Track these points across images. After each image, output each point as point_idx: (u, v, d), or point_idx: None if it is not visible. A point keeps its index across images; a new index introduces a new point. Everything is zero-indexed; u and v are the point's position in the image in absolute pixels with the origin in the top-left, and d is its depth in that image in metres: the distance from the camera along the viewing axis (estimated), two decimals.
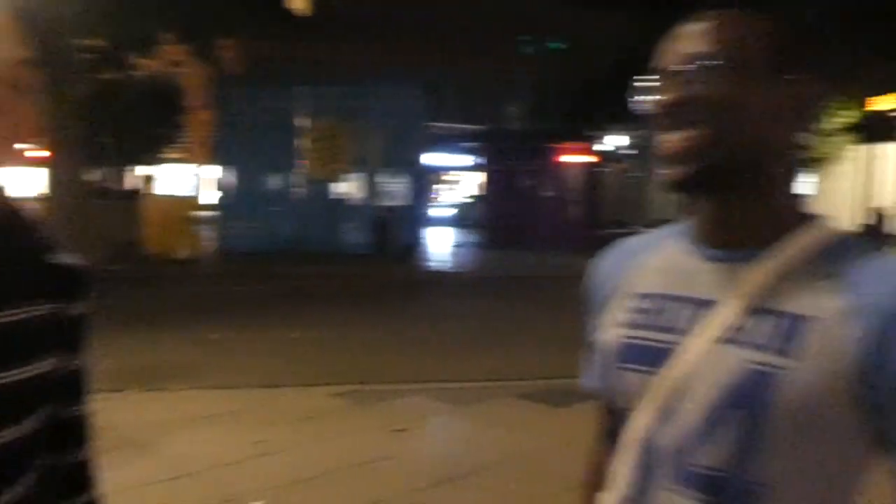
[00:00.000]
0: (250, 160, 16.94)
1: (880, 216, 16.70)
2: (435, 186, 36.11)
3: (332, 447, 4.53)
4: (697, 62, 0.86)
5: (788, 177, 0.91)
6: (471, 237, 20.92)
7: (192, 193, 18.20)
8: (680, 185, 0.89)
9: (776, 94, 0.87)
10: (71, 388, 1.02)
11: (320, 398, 5.54)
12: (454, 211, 26.40)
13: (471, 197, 28.28)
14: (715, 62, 0.85)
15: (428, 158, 22.36)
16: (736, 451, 0.83)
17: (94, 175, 19.94)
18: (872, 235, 15.77)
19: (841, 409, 0.81)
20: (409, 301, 10.88)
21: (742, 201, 0.89)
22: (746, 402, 0.83)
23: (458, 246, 19.44)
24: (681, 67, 0.88)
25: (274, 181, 17.47)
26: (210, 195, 18.31)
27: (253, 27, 15.73)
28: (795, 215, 0.91)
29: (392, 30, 28.36)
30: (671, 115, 0.88)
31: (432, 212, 23.45)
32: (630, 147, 24.78)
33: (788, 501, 0.83)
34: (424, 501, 3.80)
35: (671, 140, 0.88)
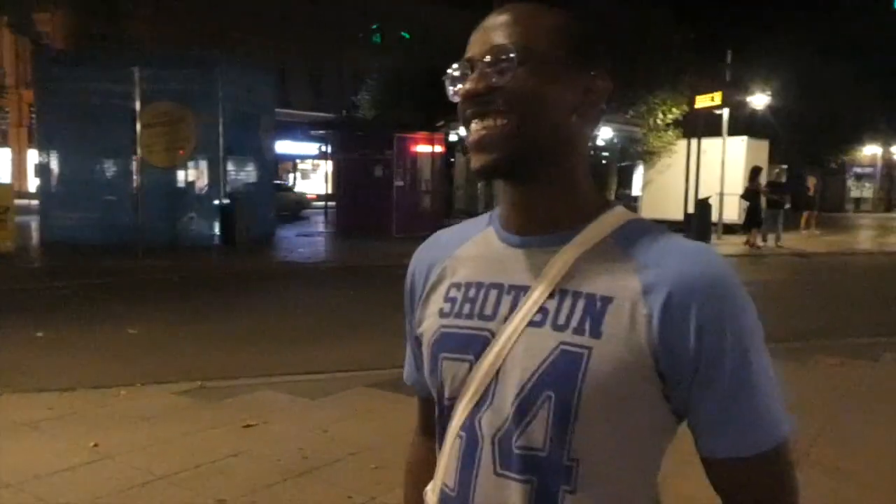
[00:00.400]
0: (79, 145, 15.62)
1: (706, 206, 18.09)
2: (289, 175, 35.23)
3: (175, 448, 4.30)
4: (497, 54, 0.90)
5: (586, 166, 0.97)
6: (322, 227, 20.63)
7: (8, 181, 16.58)
8: (485, 173, 0.92)
9: (572, 87, 0.92)
10: None
11: (162, 397, 5.25)
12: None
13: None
14: (512, 54, 0.89)
15: (277, 146, 21.76)
16: (550, 431, 0.87)
17: None
18: (699, 224, 17.08)
19: (641, 383, 0.87)
20: (258, 293, 10.56)
21: (544, 189, 0.94)
22: (557, 383, 0.87)
23: (308, 236, 19.11)
24: (483, 58, 0.91)
25: (107, 168, 16.23)
26: (32, 182, 16.81)
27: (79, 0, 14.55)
28: (595, 202, 0.96)
29: (238, 10, 27.31)
30: (474, 105, 0.91)
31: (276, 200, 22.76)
32: None
33: (600, 474, 0.88)
34: (274, 498, 3.69)
35: (475, 129, 0.91)
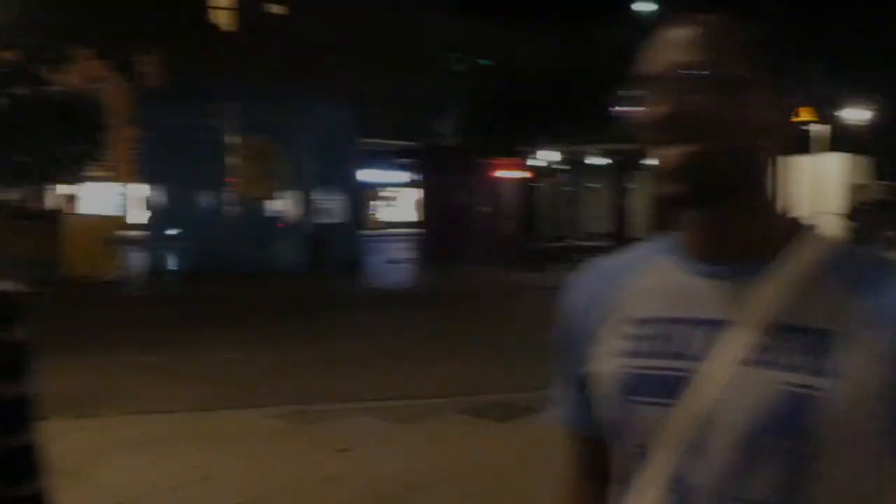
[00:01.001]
0: (179, 178, 16.52)
1: None
2: (372, 203, 35.90)
3: (273, 470, 4.40)
4: (687, 73, 0.82)
5: (776, 187, 0.90)
6: (409, 253, 20.87)
7: (118, 213, 17.59)
8: (676, 203, 0.86)
9: (763, 107, 0.84)
10: (7, 417, 0.96)
11: (260, 420, 5.40)
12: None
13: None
14: (705, 73, 0.82)
15: (362, 175, 22.26)
16: (783, 481, 0.80)
17: (13, 195, 19.11)
18: None
19: (873, 423, 0.80)
20: (349, 319, 10.75)
21: (738, 214, 0.86)
22: (787, 428, 0.79)
23: (396, 262, 19.36)
24: (670, 77, 0.83)
25: (205, 200, 17.05)
26: (137, 214, 17.75)
27: (176, 42, 15.40)
28: (788, 225, 0.88)
29: (321, 45, 28.19)
30: (663, 129, 0.83)
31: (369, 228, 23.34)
32: (562, 162, 25.23)
33: None
34: None
35: (666, 156, 0.84)
